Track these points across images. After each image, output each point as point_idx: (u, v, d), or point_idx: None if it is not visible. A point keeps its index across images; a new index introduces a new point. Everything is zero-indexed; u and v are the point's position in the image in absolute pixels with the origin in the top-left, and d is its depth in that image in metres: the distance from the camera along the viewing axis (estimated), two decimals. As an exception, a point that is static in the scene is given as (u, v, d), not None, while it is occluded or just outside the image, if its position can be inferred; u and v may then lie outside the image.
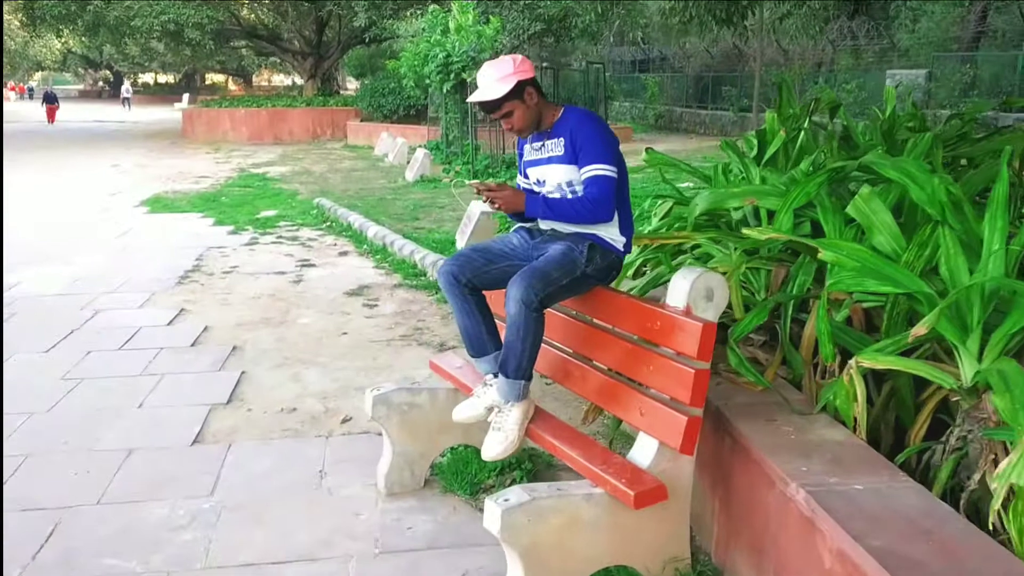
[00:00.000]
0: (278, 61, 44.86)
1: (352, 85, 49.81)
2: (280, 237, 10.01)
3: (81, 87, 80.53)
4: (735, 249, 3.24)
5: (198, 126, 27.31)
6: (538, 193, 3.25)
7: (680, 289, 2.78)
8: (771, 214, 3.59)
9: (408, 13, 25.89)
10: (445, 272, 3.23)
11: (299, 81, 38.24)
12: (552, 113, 3.23)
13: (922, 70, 21.03)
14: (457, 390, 3.63)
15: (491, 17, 17.04)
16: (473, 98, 3.15)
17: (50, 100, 37.54)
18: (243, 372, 5.29)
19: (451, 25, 16.64)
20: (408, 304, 6.89)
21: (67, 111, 42.32)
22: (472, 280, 3.22)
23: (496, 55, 21.85)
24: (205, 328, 6.26)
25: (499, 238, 3.40)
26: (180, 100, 45.42)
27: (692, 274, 2.77)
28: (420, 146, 18.16)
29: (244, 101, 30.33)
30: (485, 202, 3.15)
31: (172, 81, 71.67)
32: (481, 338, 3.26)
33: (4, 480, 3.80)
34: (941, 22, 23.38)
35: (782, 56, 27.60)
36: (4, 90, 31.38)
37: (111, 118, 40.45)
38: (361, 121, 25.47)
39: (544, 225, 3.30)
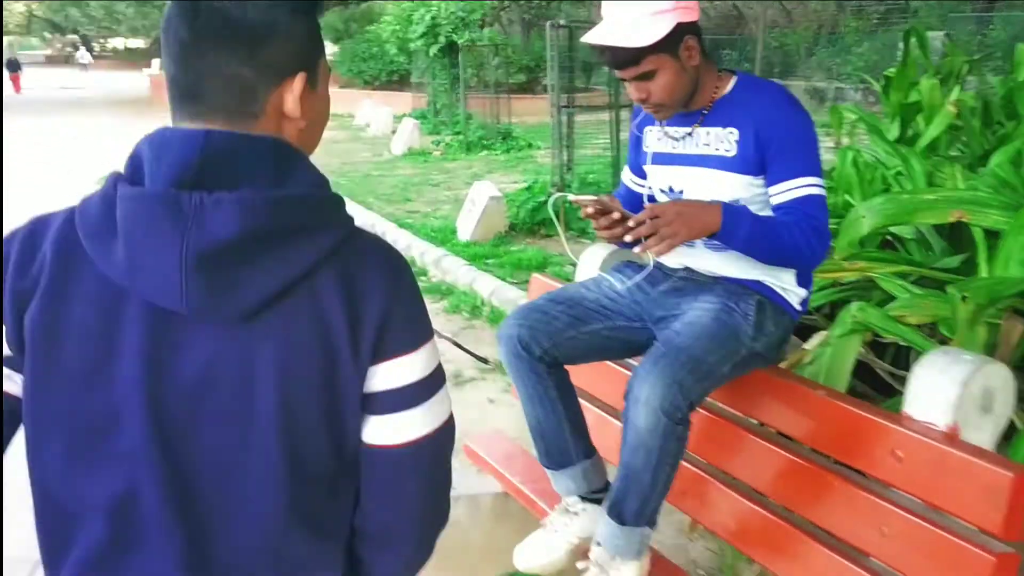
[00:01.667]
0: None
1: (329, 49, 48.06)
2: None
3: (48, 52, 77.82)
4: (963, 297, 2.05)
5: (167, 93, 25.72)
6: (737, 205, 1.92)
7: (941, 394, 1.59)
8: (989, 235, 2.39)
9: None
10: (509, 336, 2.01)
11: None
12: (714, 83, 1.96)
13: (939, 32, 19.84)
14: (508, 494, 2.46)
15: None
16: (598, 39, 1.84)
17: (12, 68, 35.52)
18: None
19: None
20: (409, 314, 5.66)
21: (32, 77, 40.30)
22: (552, 350, 2.00)
23: (484, 16, 20.38)
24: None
25: (590, 282, 2.17)
26: (149, 66, 43.49)
27: (959, 369, 1.58)
28: (406, 115, 16.86)
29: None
30: (623, 232, 1.79)
31: (143, 46, 69.22)
32: (562, 440, 2.07)
33: None
34: (955, -21, 22.18)
35: (784, 17, 26.27)
36: None
37: (77, 84, 38.60)
38: (340, 88, 24.06)
39: (672, 261, 2.09)
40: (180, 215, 0.89)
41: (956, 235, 2.66)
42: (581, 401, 2.18)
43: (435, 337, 1.06)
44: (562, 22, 7.52)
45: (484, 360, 4.62)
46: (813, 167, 1.84)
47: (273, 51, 0.97)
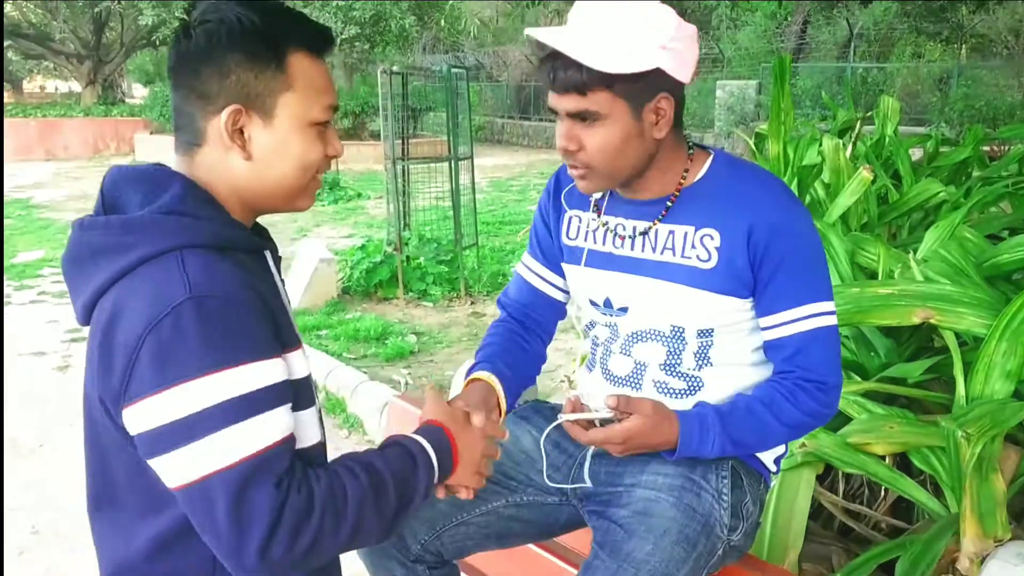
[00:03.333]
0: (51, 66, 40.05)
1: (140, 92, 45.55)
2: (43, 293, 7.56)
3: None
4: (958, 426, 1.58)
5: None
6: (699, 410, 1.39)
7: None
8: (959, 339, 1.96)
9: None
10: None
11: (77, 88, 34.06)
12: (683, 165, 1.41)
13: (752, 81, 20.74)
14: None
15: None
16: (550, 39, 1.26)
17: None
18: (-47, 574, 3.14)
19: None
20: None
21: None
22: (433, 544, 1.39)
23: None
24: (-98, 471, 3.99)
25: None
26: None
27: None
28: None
29: (7, 110, 26.41)
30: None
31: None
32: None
33: None
34: (764, 33, 23.40)
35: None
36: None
37: None
38: (151, 133, 22.60)
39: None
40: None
41: (896, 330, 2.24)
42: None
43: (215, 375, 0.97)
44: (395, 68, 6.95)
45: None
46: (822, 289, 1.33)
47: (205, 82, 1.06)
